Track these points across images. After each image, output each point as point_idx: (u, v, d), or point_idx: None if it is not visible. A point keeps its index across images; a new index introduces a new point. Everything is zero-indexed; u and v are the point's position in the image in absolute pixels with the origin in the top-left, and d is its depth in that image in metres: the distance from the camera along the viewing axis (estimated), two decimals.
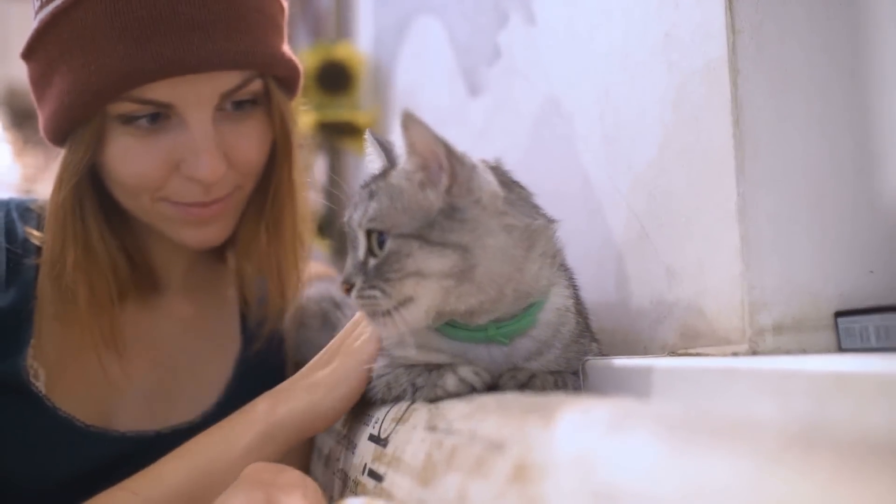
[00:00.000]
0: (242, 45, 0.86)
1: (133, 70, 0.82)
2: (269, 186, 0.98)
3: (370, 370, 0.80)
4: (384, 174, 0.72)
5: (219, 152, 0.87)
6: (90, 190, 0.90)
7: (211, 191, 0.90)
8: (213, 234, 0.95)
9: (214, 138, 0.87)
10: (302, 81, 0.97)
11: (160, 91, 0.84)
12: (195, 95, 0.85)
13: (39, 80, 0.89)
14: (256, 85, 0.90)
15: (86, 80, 0.83)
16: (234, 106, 0.90)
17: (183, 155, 0.87)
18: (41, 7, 0.87)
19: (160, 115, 0.86)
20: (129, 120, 0.86)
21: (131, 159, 0.87)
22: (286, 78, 0.94)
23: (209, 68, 0.85)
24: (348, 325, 0.86)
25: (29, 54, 0.90)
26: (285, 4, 0.95)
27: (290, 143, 0.96)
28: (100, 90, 0.83)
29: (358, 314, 0.86)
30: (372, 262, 0.69)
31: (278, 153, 0.96)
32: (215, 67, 0.85)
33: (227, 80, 0.87)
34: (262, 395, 0.85)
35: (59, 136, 0.89)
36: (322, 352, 0.86)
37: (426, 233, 0.67)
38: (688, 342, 0.75)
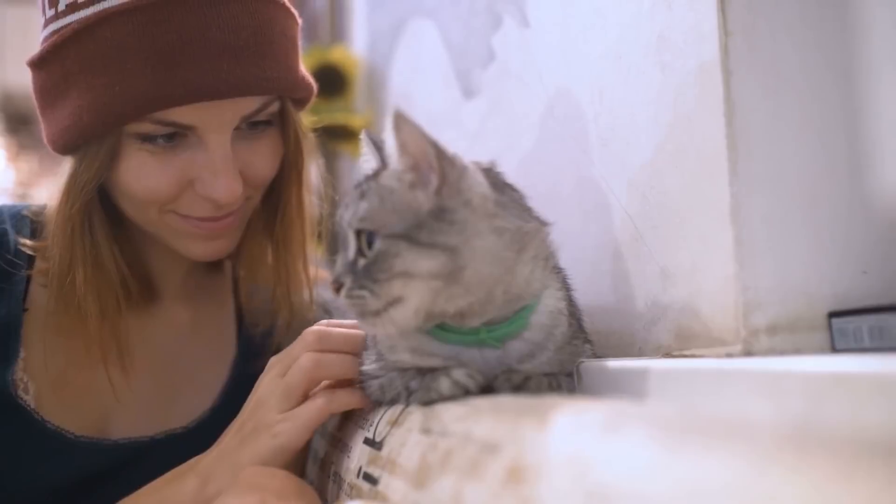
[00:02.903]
0: (269, 72, 0.86)
1: (160, 95, 0.82)
2: (278, 203, 0.98)
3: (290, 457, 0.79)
4: (376, 174, 0.72)
5: (236, 174, 0.87)
6: (98, 203, 0.90)
7: (223, 207, 0.89)
8: (220, 247, 0.95)
9: (233, 159, 0.87)
10: (314, 98, 0.97)
11: (183, 114, 0.83)
12: (218, 119, 0.85)
13: (50, 91, 0.88)
14: (274, 106, 0.90)
15: (109, 100, 0.82)
16: (250, 126, 0.90)
17: (199, 173, 0.87)
18: (56, 17, 0.86)
19: (178, 134, 0.86)
20: (147, 138, 0.85)
21: (146, 175, 0.86)
22: (301, 98, 0.94)
23: (237, 94, 0.85)
24: (257, 395, 0.83)
25: (41, 63, 0.88)
26: (300, 20, 0.95)
27: (302, 162, 0.97)
28: (123, 112, 0.82)
29: (261, 383, 0.83)
30: (361, 262, 0.68)
31: (289, 170, 0.96)
32: (243, 93, 0.85)
33: (249, 103, 0.87)
34: (191, 468, 0.83)
35: (69, 148, 0.88)
36: (242, 412, 0.83)
37: (415, 233, 0.67)
38: (682, 343, 0.75)
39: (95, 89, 0.83)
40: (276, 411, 0.79)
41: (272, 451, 0.78)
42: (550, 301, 0.74)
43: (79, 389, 0.93)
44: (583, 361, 0.75)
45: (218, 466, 0.81)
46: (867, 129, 0.70)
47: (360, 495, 0.71)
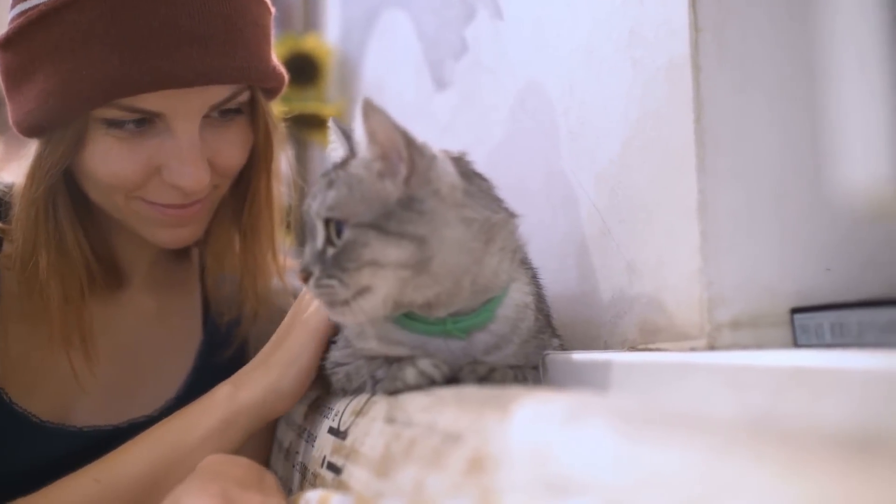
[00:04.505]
0: (238, 61, 0.85)
1: (127, 81, 0.80)
2: (247, 193, 0.97)
3: (325, 342, 0.83)
4: (344, 163, 0.72)
5: (204, 162, 0.86)
6: (64, 187, 0.88)
7: (190, 195, 0.88)
8: (187, 234, 0.94)
9: (201, 148, 0.86)
10: (285, 88, 0.96)
11: (151, 101, 0.82)
12: (185, 106, 0.84)
13: (16, 73, 0.86)
14: (244, 96, 0.89)
15: (75, 85, 0.81)
16: (220, 114, 0.89)
17: (166, 161, 0.86)
18: None
19: (146, 120, 0.85)
20: (113, 124, 0.84)
21: (112, 160, 0.85)
22: (272, 88, 0.93)
23: (205, 83, 0.83)
24: (299, 297, 0.88)
25: (7, 44, 0.86)
26: (273, 9, 0.94)
27: (271, 152, 0.96)
28: (89, 97, 0.81)
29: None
30: (330, 251, 0.68)
31: (258, 160, 0.95)
32: (212, 82, 0.84)
33: (218, 92, 0.86)
34: (223, 382, 0.86)
35: (35, 131, 0.86)
36: (278, 330, 0.87)
37: (383, 223, 0.66)
38: (647, 337, 0.75)
39: (61, 73, 0.82)
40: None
41: (307, 336, 0.83)
42: (517, 294, 0.74)
43: (43, 374, 0.92)
44: (548, 353, 0.76)
45: (251, 372, 0.85)
46: (832, 127, 0.71)
47: (323, 485, 0.71)
